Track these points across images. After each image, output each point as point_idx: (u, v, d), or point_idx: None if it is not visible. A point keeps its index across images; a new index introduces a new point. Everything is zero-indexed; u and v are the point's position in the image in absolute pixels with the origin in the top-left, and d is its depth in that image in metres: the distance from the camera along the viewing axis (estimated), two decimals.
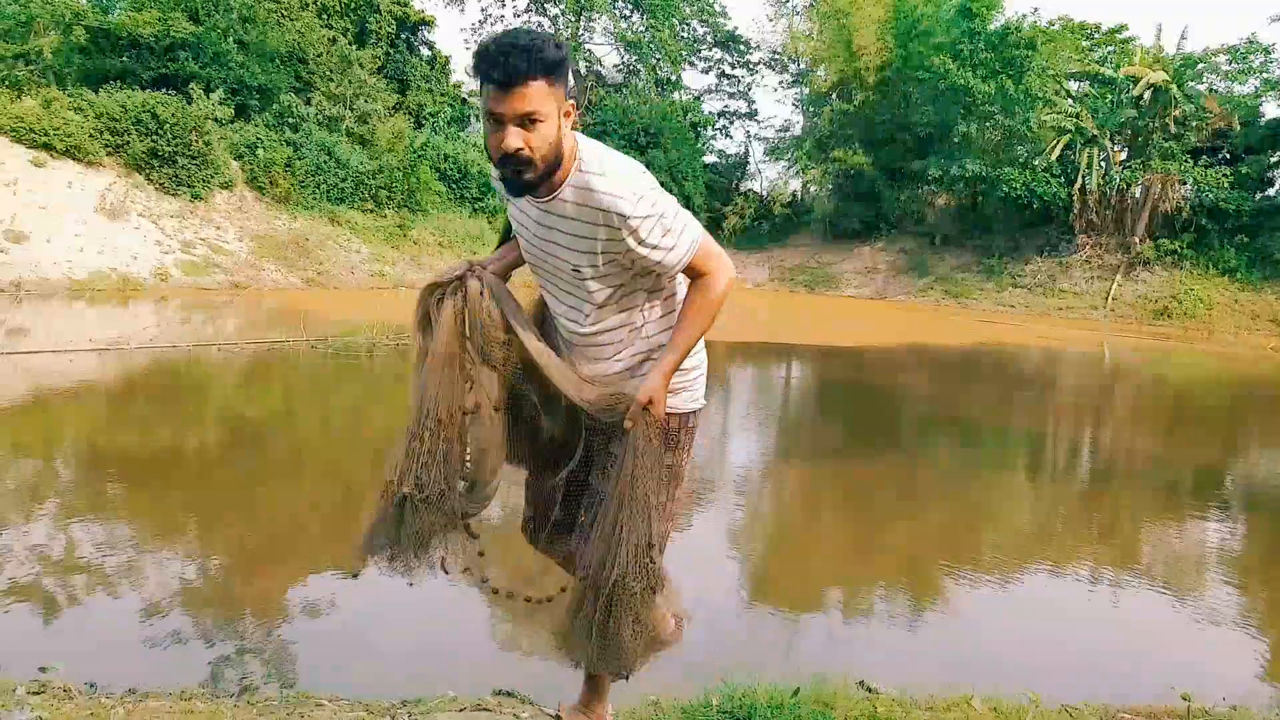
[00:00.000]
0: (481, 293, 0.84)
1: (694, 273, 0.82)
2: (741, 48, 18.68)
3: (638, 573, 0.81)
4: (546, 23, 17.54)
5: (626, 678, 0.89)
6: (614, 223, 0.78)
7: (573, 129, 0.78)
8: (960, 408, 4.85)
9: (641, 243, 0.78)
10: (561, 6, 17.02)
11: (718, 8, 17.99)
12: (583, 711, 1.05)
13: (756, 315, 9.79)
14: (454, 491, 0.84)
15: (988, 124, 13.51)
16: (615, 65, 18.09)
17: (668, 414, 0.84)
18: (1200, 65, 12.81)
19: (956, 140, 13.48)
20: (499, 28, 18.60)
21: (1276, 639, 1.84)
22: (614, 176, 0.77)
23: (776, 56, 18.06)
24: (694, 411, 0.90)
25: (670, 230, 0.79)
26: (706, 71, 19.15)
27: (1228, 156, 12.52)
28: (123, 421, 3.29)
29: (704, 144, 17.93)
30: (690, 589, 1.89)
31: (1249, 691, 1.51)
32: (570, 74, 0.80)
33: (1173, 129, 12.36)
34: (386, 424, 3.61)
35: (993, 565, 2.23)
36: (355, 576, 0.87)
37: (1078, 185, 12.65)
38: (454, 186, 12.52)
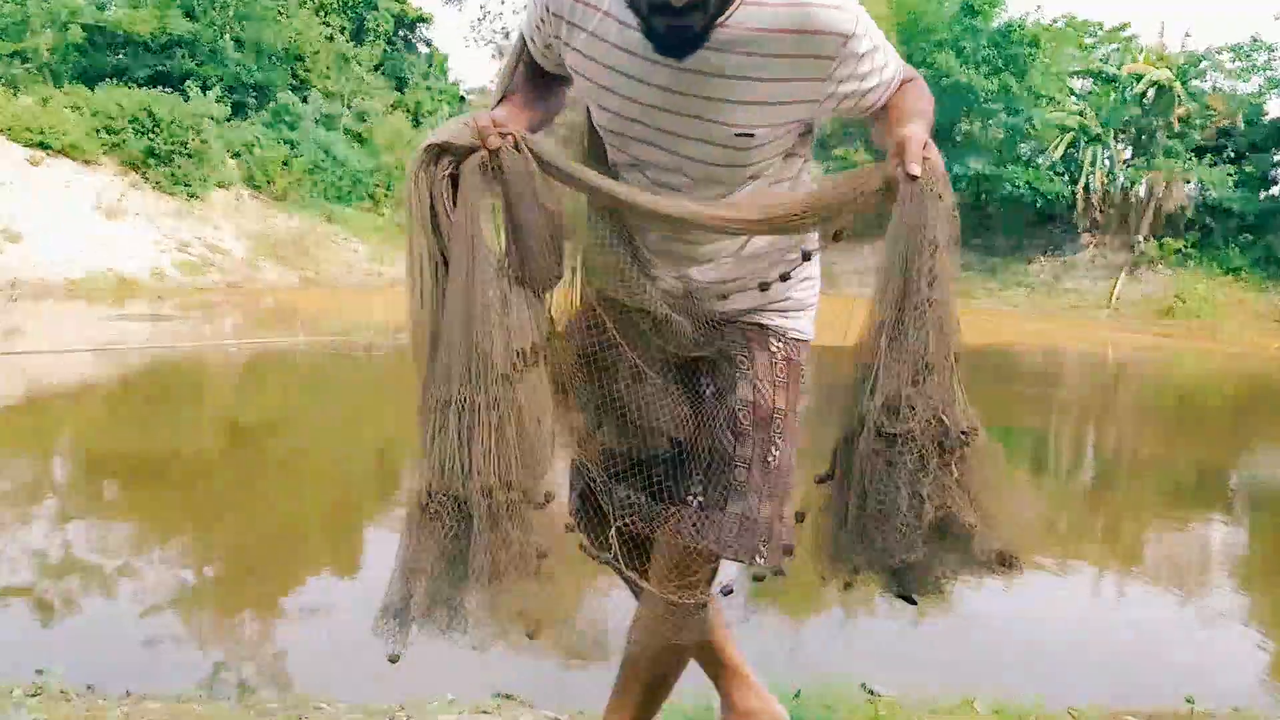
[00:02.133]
0: (529, 167, 0.49)
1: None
2: None
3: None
4: None
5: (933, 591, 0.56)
6: (827, 49, 0.52)
7: None
8: None
9: (863, 75, 0.55)
10: None
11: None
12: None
13: None
14: (529, 484, 0.50)
15: (990, 122, 13.45)
16: None
17: (792, 338, 0.62)
18: (1204, 63, 12.76)
19: (959, 139, 13.46)
20: (498, 24, 18.48)
21: None
22: None
23: None
24: (805, 341, 0.66)
25: (880, 47, 0.56)
26: None
27: (1232, 155, 12.42)
28: (119, 422, 3.28)
29: None
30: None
31: (1252, 693, 1.51)
32: None
33: (1176, 127, 12.30)
34: (386, 424, 3.60)
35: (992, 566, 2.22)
36: (394, 661, 0.54)
37: (1081, 184, 12.61)
38: None
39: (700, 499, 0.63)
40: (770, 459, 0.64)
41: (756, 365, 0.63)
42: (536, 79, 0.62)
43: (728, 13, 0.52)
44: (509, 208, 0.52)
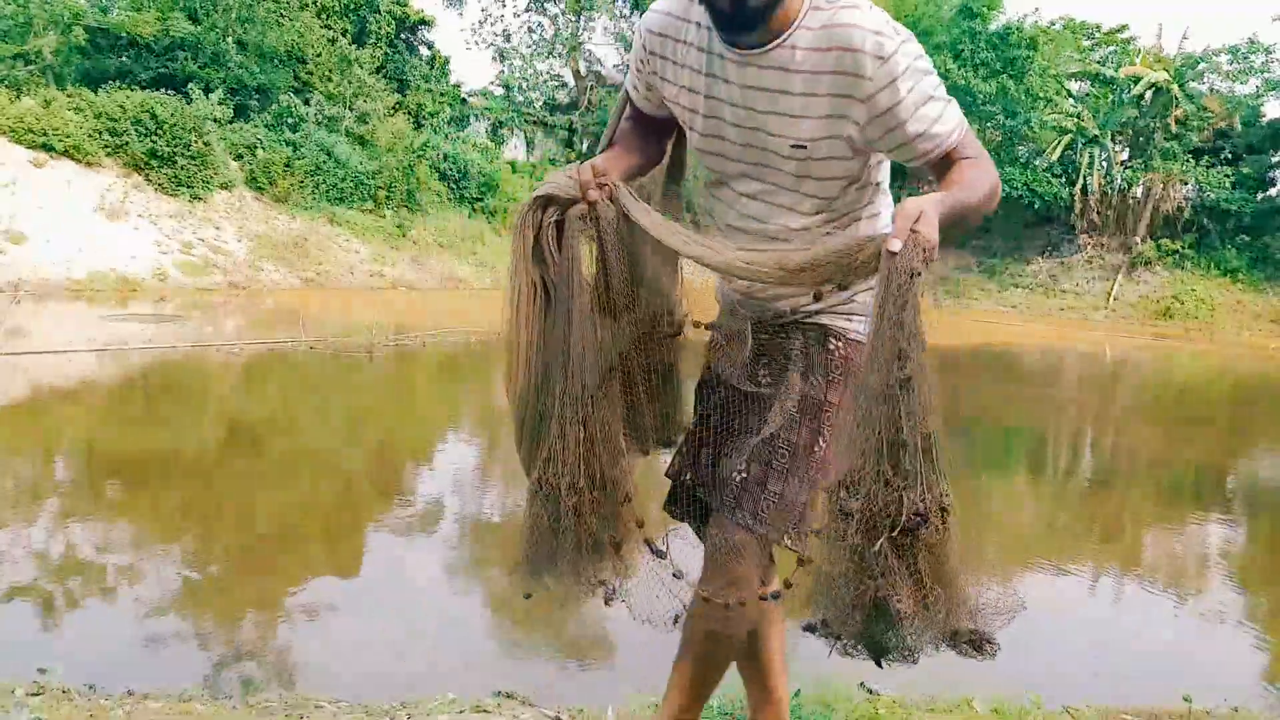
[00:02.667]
0: (617, 216, 0.59)
1: (951, 163, 0.59)
2: None
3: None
4: (546, 23, 17.51)
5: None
6: (865, 69, 0.57)
7: None
8: (961, 408, 4.84)
9: (898, 103, 0.57)
10: (561, 6, 17.00)
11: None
12: None
13: None
14: (611, 484, 0.61)
15: (989, 124, 13.48)
16: (615, 65, 18.06)
17: (851, 339, 0.63)
18: (1201, 65, 12.78)
19: None
20: (498, 27, 18.54)
21: (1278, 640, 1.84)
22: (869, 9, 0.57)
23: None
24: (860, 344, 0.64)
25: (936, 97, 0.58)
26: None
27: (1229, 156, 12.47)
28: (121, 422, 3.28)
29: None
30: (691, 589, 1.89)
31: (1250, 693, 1.51)
32: None
33: (1174, 129, 12.36)
34: (386, 425, 3.59)
35: (994, 565, 2.23)
36: (527, 598, 0.67)
37: (1079, 185, 12.67)
38: (454, 186, 12.48)
39: (743, 475, 0.66)
40: (816, 449, 0.66)
41: (813, 360, 0.67)
42: (638, 129, 0.72)
43: (796, 20, 0.59)
44: (601, 250, 0.63)
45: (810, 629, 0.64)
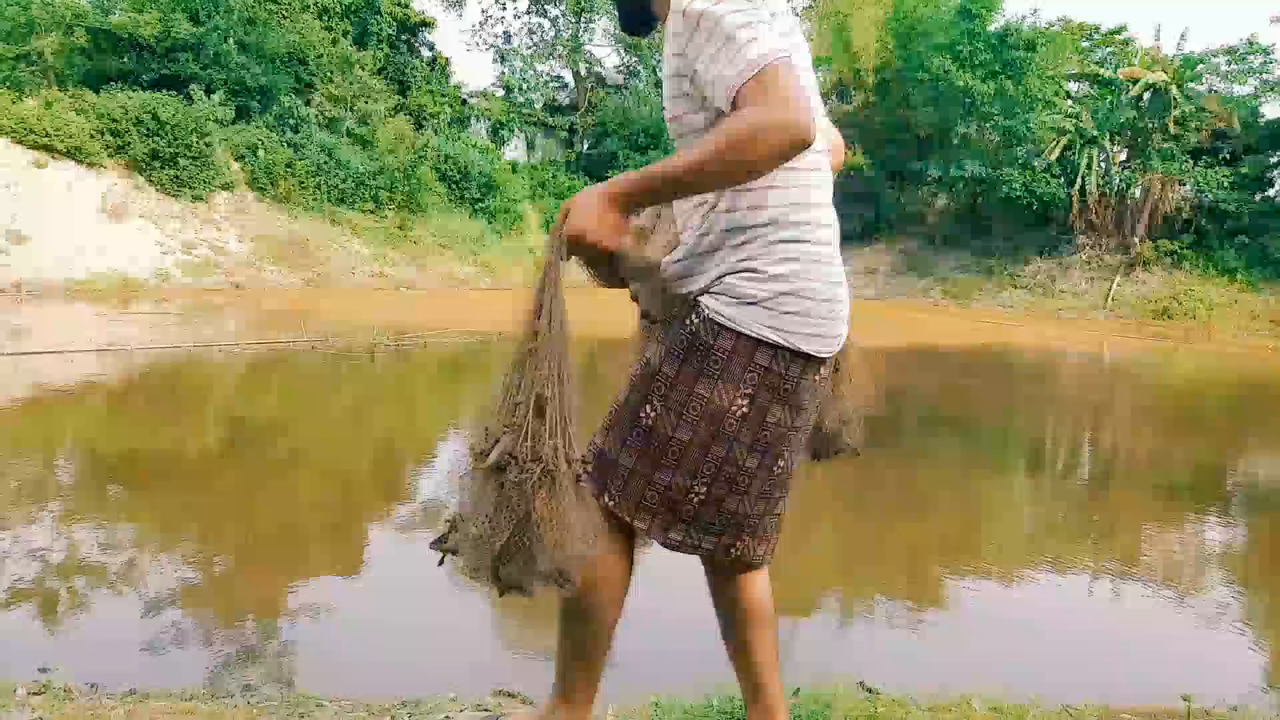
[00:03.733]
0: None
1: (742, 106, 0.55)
2: None
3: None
4: (547, 24, 17.57)
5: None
6: (679, 24, 0.58)
7: None
8: (961, 408, 4.84)
9: (700, 52, 0.56)
10: (562, 8, 17.05)
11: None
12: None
13: None
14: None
15: (987, 125, 13.51)
16: (615, 66, 18.13)
17: (710, 318, 0.62)
18: (1200, 66, 12.78)
19: (956, 141, 13.52)
20: (499, 29, 18.56)
21: (1278, 639, 1.84)
22: None
23: None
24: (758, 341, 0.62)
25: (734, 37, 0.55)
26: None
27: (1227, 157, 12.50)
28: (123, 422, 3.29)
29: None
30: (691, 588, 1.89)
31: (1250, 692, 1.52)
32: None
33: (1172, 130, 12.34)
34: (387, 425, 3.60)
35: (993, 565, 2.23)
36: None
37: (1077, 186, 12.63)
38: (454, 187, 12.51)
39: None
40: (642, 415, 0.66)
41: (670, 331, 0.67)
42: None
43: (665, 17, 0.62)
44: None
45: (436, 543, 0.66)
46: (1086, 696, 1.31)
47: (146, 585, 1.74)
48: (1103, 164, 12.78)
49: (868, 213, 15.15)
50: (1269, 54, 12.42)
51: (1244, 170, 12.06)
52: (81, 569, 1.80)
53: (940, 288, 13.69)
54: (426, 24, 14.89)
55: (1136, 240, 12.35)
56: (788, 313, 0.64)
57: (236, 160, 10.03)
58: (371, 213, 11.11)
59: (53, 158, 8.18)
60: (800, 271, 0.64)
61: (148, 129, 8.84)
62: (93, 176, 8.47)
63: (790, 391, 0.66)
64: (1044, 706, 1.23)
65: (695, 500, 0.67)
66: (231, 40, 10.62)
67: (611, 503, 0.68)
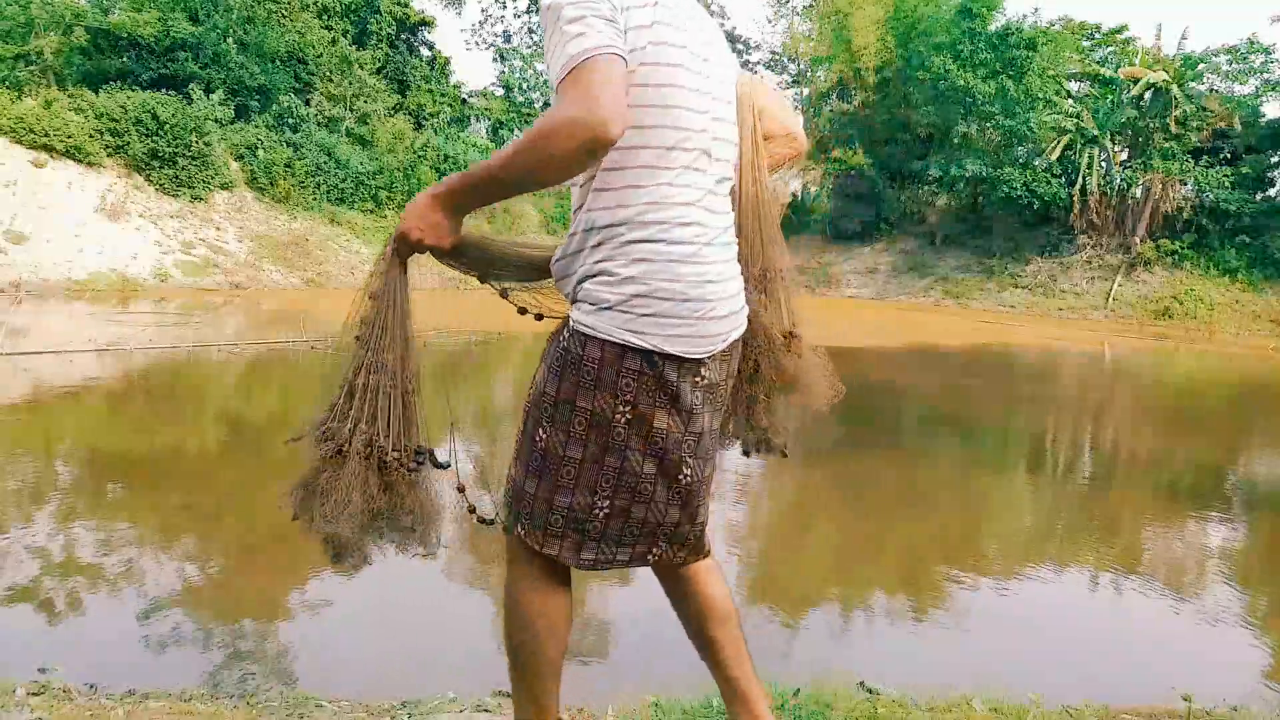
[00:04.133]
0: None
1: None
2: (740, 47, 18.76)
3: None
4: None
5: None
6: (542, 19, 0.59)
7: None
8: (961, 408, 4.84)
9: (548, 44, 0.57)
10: None
11: (715, 7, 18.07)
12: None
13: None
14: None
15: (988, 124, 13.48)
16: None
17: (574, 329, 0.62)
18: (1201, 65, 12.77)
19: (957, 141, 13.47)
20: (498, 28, 18.50)
21: (1278, 639, 1.84)
22: None
23: (776, 57, 18.13)
24: (623, 346, 0.61)
25: (562, 33, 0.55)
26: None
27: (1228, 157, 12.49)
28: (123, 422, 3.29)
29: None
30: None
31: (1250, 692, 1.51)
32: None
33: (1173, 129, 12.33)
34: None
35: (994, 565, 2.23)
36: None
37: (1078, 186, 12.63)
38: None
39: None
40: (537, 439, 0.67)
41: (547, 349, 0.69)
42: None
43: None
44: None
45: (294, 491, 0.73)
46: (1086, 696, 1.30)
47: (146, 585, 1.74)
48: (1103, 163, 12.77)
49: (868, 212, 15.16)
50: (1270, 53, 12.41)
51: (1245, 170, 12.05)
52: (81, 569, 1.80)
53: (940, 288, 13.69)
54: (426, 23, 14.88)
55: (1137, 240, 12.34)
56: (644, 315, 0.62)
57: (236, 160, 10.03)
58: (371, 212, 11.11)
59: (52, 157, 8.18)
60: (654, 272, 0.62)
61: (147, 129, 8.83)
62: (92, 176, 8.47)
63: (672, 395, 0.63)
64: (1044, 706, 1.23)
65: (600, 515, 0.66)
66: (231, 39, 10.63)
67: (522, 532, 0.68)
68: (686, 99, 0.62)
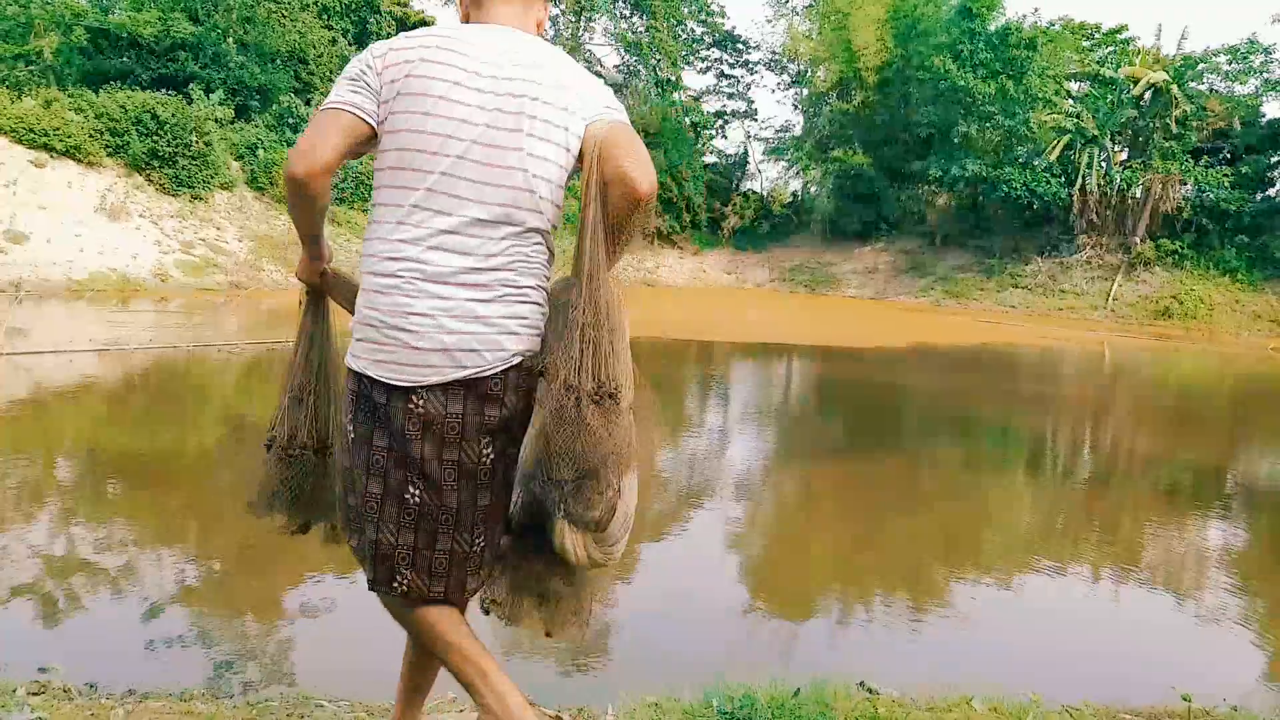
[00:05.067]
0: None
1: None
2: (740, 47, 18.72)
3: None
4: (547, 23, 17.49)
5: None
6: None
7: None
8: (961, 408, 4.84)
9: None
10: (561, 7, 17.03)
11: (714, 7, 18.04)
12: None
13: (757, 316, 9.83)
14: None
15: (988, 124, 13.47)
16: (615, 66, 18.10)
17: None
18: (1201, 65, 12.79)
19: (956, 140, 13.47)
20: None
21: (1277, 639, 1.84)
22: None
23: (776, 57, 18.10)
24: (350, 368, 0.72)
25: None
26: (705, 71, 19.20)
27: (1228, 156, 12.52)
28: (123, 422, 3.29)
29: (704, 144, 17.92)
30: (691, 589, 1.89)
31: (1250, 692, 1.51)
32: None
33: (1173, 129, 12.35)
34: None
35: (994, 565, 2.22)
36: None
37: (1078, 185, 12.64)
38: None
39: None
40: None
41: None
42: None
43: None
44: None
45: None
46: (1086, 696, 1.31)
47: (146, 585, 1.74)
48: (1103, 163, 12.77)
49: (868, 212, 15.14)
50: (1269, 53, 12.42)
51: (1244, 169, 12.07)
52: (81, 569, 1.80)
53: (940, 287, 13.68)
54: (426, 23, 14.90)
55: (1137, 240, 12.34)
56: (359, 339, 0.72)
57: (236, 160, 10.04)
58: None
59: (52, 157, 8.18)
60: (367, 300, 0.71)
61: (147, 128, 8.83)
62: (92, 176, 8.47)
63: (384, 418, 0.68)
64: (1044, 706, 1.23)
65: (354, 529, 0.73)
66: (231, 39, 10.65)
67: (352, 546, 0.76)
68: (426, 143, 0.68)
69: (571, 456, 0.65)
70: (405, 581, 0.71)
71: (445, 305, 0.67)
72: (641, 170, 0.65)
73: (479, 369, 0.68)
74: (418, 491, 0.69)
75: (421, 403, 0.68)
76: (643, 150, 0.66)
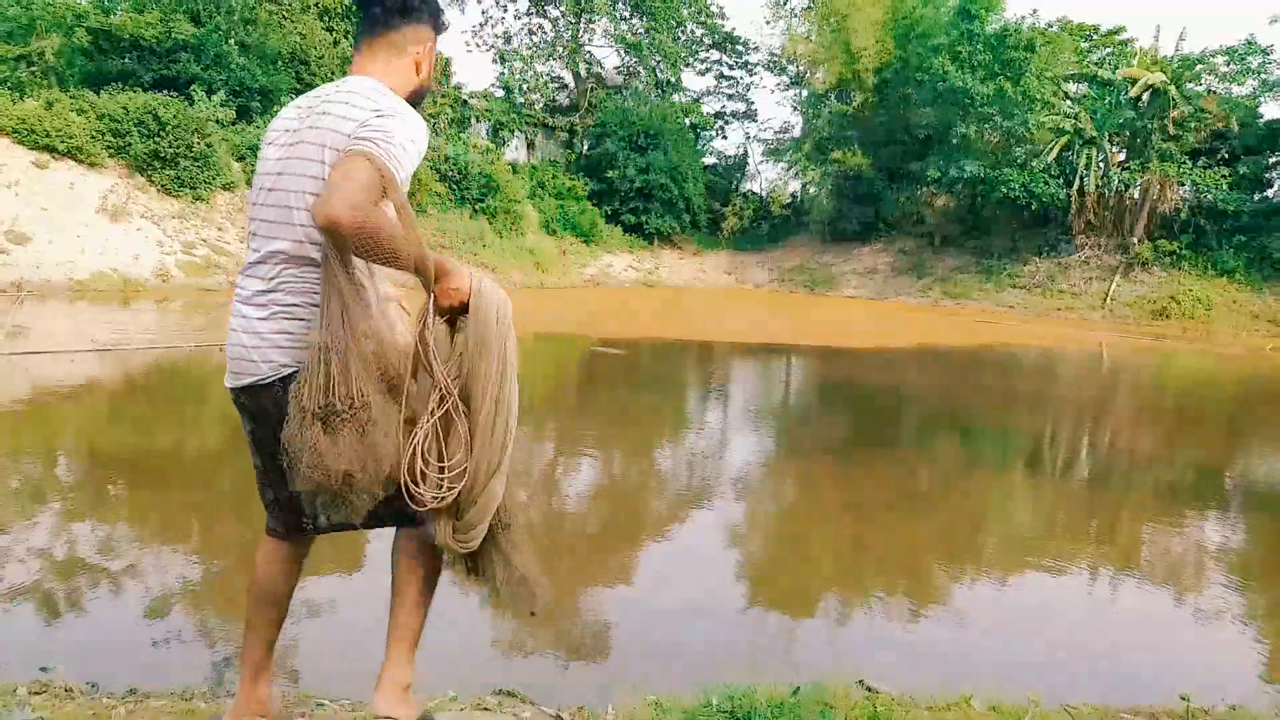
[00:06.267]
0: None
1: None
2: (740, 48, 18.77)
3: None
4: (546, 25, 17.59)
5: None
6: None
7: None
8: (961, 408, 4.84)
9: None
10: (562, 8, 17.08)
11: (714, 8, 18.10)
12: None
13: (756, 316, 9.87)
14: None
15: (986, 125, 13.53)
16: (615, 67, 18.16)
17: None
18: (1198, 66, 12.82)
19: (955, 141, 13.52)
20: (499, 30, 18.54)
21: (1276, 639, 1.84)
22: None
23: (775, 58, 18.14)
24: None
25: None
26: (704, 73, 19.24)
27: (1226, 157, 12.52)
28: (124, 422, 3.29)
29: (704, 145, 18.05)
30: (691, 588, 1.89)
31: (1248, 692, 1.51)
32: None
33: (1171, 130, 12.37)
34: None
35: (993, 565, 2.23)
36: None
37: (1076, 186, 12.64)
38: (454, 187, 12.53)
39: None
40: None
41: None
42: None
43: None
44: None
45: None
46: (1086, 696, 1.31)
47: (147, 584, 1.74)
48: (1101, 164, 12.76)
49: (867, 213, 15.16)
50: (1267, 54, 12.44)
51: (1242, 170, 12.08)
52: (82, 568, 1.80)
53: (939, 288, 13.70)
54: None
55: (1135, 240, 12.35)
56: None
57: (237, 161, 10.02)
58: None
59: (54, 158, 8.18)
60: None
61: (148, 129, 8.84)
62: (94, 177, 8.47)
63: (240, 409, 0.91)
64: (1044, 706, 1.23)
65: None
66: (232, 41, 10.66)
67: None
68: (253, 194, 0.89)
69: (300, 471, 0.74)
70: (309, 522, 0.88)
71: (242, 323, 0.87)
72: (322, 202, 0.74)
73: (257, 377, 0.86)
74: (262, 462, 0.91)
75: (246, 400, 0.89)
76: (347, 179, 0.73)
